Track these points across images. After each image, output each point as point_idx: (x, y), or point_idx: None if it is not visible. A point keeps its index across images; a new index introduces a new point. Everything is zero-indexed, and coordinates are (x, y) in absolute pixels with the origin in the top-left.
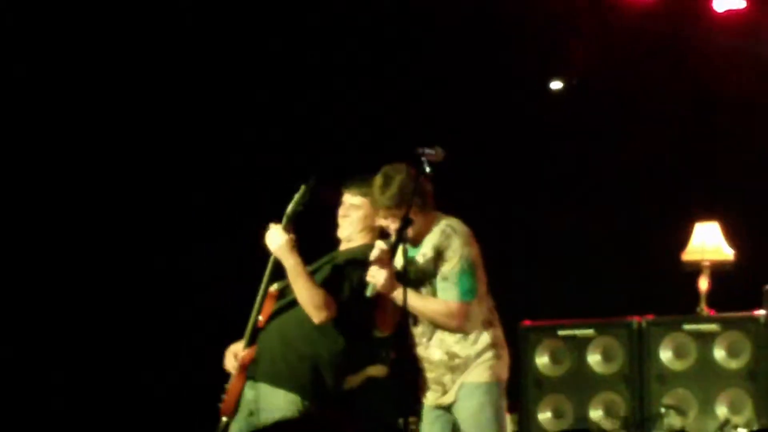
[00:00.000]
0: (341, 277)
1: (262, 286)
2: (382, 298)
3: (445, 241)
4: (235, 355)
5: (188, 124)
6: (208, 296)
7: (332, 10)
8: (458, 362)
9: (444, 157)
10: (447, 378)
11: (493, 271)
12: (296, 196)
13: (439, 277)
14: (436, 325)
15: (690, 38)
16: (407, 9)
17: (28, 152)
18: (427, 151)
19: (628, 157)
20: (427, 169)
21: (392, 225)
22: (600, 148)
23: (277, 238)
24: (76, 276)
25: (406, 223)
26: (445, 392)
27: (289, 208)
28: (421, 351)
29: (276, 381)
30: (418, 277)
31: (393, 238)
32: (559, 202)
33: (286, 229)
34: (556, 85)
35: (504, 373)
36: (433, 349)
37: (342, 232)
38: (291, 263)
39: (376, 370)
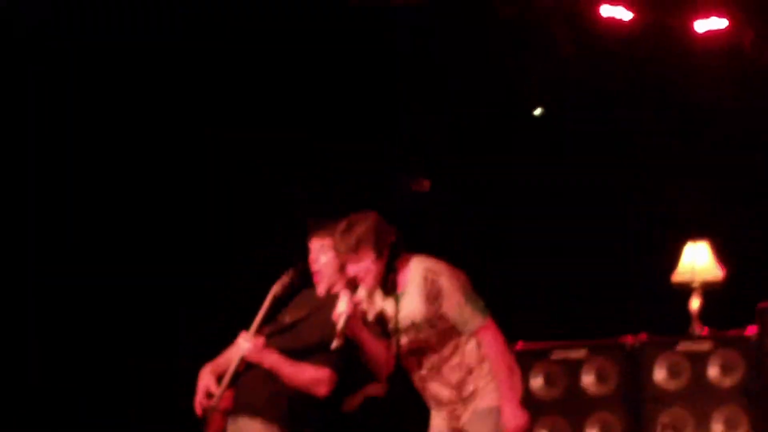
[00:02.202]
0: (325, 334)
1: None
2: (363, 350)
3: (433, 286)
4: (207, 393)
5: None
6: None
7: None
8: (468, 393)
9: (429, 187)
10: (459, 409)
11: (483, 295)
12: (274, 289)
13: (450, 321)
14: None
15: (671, 60)
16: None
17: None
18: (414, 183)
19: (616, 177)
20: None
21: (349, 270)
22: (588, 169)
23: (245, 346)
24: None
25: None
26: (457, 418)
27: (266, 303)
28: (427, 389)
29: (254, 412)
30: (400, 328)
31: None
32: (548, 223)
33: (260, 330)
34: (538, 111)
35: None
36: (440, 389)
37: (321, 286)
38: (268, 366)
39: (374, 389)
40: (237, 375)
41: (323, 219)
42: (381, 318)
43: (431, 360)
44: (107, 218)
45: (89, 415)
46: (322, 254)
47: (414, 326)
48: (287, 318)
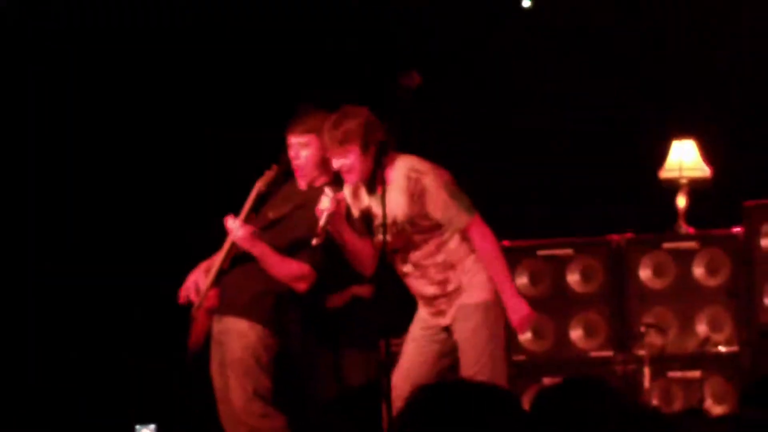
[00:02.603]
0: (309, 231)
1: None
2: (348, 243)
3: (416, 185)
4: (196, 289)
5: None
6: None
7: None
8: (452, 288)
9: (420, 82)
10: (444, 304)
11: (469, 193)
12: (259, 184)
13: (435, 219)
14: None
15: None
16: None
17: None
18: (403, 76)
19: (603, 73)
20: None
21: (334, 163)
22: (576, 65)
23: (236, 232)
24: None
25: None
26: (442, 313)
27: (251, 198)
28: (412, 286)
29: (240, 312)
30: (384, 226)
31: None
32: (535, 120)
33: (248, 220)
34: (526, 2)
35: None
36: (424, 286)
37: (302, 180)
38: (257, 253)
39: (361, 290)
40: (222, 272)
41: (305, 110)
42: (366, 215)
43: (415, 257)
44: (107, 218)
45: (89, 415)
46: (302, 149)
47: (397, 224)
48: (270, 214)
